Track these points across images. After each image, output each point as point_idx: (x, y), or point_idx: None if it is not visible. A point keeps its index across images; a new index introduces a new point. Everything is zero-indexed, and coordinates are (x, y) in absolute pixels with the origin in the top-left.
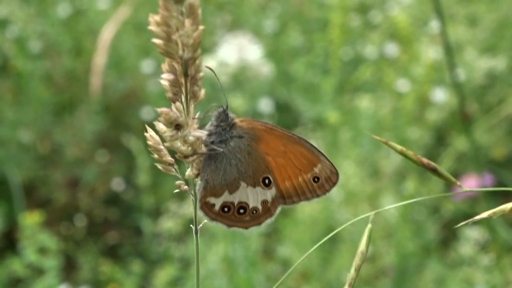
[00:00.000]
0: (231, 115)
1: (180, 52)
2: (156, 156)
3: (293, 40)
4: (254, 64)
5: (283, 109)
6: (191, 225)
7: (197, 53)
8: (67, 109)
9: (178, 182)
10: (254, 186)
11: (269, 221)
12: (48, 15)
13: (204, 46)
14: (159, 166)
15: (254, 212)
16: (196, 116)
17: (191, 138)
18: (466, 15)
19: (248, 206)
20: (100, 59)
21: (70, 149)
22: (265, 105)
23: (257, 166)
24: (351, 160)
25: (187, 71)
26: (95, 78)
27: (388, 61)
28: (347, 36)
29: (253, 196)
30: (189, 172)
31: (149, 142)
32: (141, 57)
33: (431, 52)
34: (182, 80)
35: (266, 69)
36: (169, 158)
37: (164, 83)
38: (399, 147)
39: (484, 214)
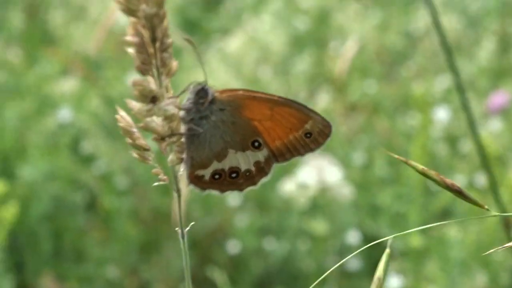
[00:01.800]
0: (210, 90)
1: (143, 6)
2: (129, 140)
3: (380, 171)
4: (334, 186)
5: (372, 241)
6: (176, 228)
7: (162, 10)
8: (154, 245)
9: (155, 170)
10: (243, 150)
11: (264, 180)
12: None
13: (285, 168)
14: (134, 154)
15: (248, 173)
16: (172, 93)
17: (170, 110)
18: None
19: (240, 169)
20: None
21: (157, 285)
22: (353, 237)
23: (244, 133)
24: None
25: (155, 34)
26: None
27: (477, 190)
28: (433, 166)
29: (244, 160)
30: (172, 156)
31: (120, 124)
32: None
33: None
34: (152, 50)
35: (346, 191)
36: (143, 142)
37: (130, 50)
38: (420, 166)
39: None
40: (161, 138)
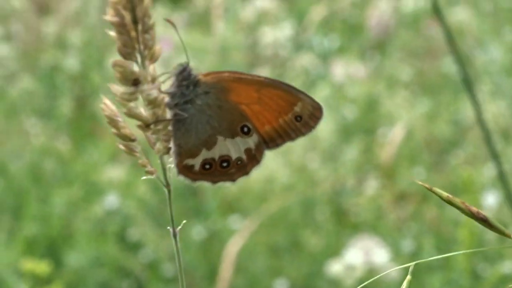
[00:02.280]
0: (193, 72)
1: None
2: (114, 130)
3: (428, 256)
4: (381, 268)
5: None
6: (168, 227)
7: None
8: None
9: (141, 161)
10: (232, 137)
11: (256, 168)
12: (181, 238)
13: (332, 249)
14: (120, 146)
15: (239, 162)
16: (157, 76)
17: (153, 94)
18: None
19: (231, 158)
20: (226, 273)
21: None
22: None
23: (232, 118)
24: None
25: (135, 14)
26: None
27: None
28: (482, 253)
29: (234, 147)
30: (158, 145)
31: (105, 113)
32: (273, 278)
33: None
34: (133, 33)
35: (394, 273)
36: (128, 132)
37: (112, 33)
38: (445, 194)
39: None
40: (145, 126)
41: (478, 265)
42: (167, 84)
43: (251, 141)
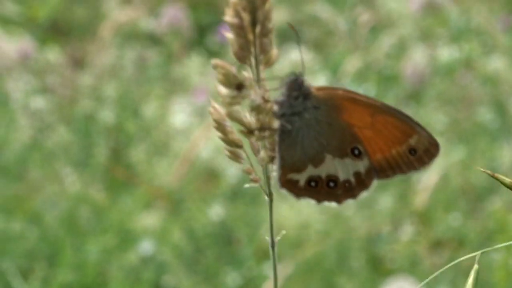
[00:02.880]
0: (305, 83)
1: None
2: (220, 135)
3: None
4: None
5: None
6: (266, 237)
7: None
8: None
9: (246, 168)
10: (341, 157)
11: (364, 194)
12: (217, 285)
13: None
14: (226, 152)
15: (347, 184)
16: (265, 83)
17: (256, 100)
18: None
19: (339, 178)
20: None
21: None
22: None
23: (342, 137)
24: None
25: (255, 16)
26: None
27: None
28: None
29: (342, 168)
30: (262, 154)
31: (213, 117)
32: None
33: None
34: (251, 36)
35: None
36: (236, 137)
37: (229, 35)
38: (507, 179)
39: None
40: (248, 132)
41: None
42: (276, 92)
43: (362, 165)
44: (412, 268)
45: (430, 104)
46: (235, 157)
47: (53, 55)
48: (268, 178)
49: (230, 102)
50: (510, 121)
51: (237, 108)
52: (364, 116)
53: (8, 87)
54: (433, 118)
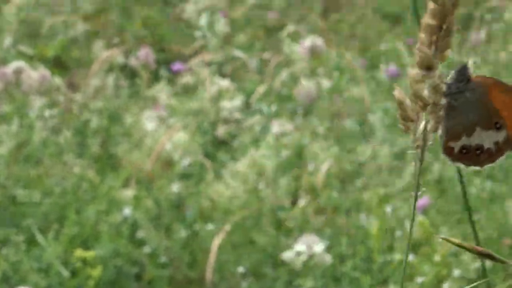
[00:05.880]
0: (469, 71)
1: None
2: (400, 111)
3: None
4: (319, 254)
5: None
6: (411, 192)
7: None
8: None
9: (416, 136)
10: (487, 129)
11: (501, 159)
12: (169, 237)
13: (276, 247)
14: (400, 125)
15: (489, 152)
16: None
17: (437, 81)
18: None
19: (483, 147)
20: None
21: None
22: None
23: (489, 114)
24: None
25: (443, 23)
26: None
27: None
28: None
29: (487, 138)
30: (431, 125)
31: (396, 96)
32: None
33: None
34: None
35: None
36: (411, 114)
37: (422, 34)
38: (456, 240)
39: None
40: (424, 106)
41: None
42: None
43: (501, 136)
44: (304, 226)
45: (316, 116)
46: (407, 129)
47: (58, 80)
48: (425, 145)
49: (419, 81)
50: (368, 128)
51: (421, 86)
52: (505, 99)
53: (30, 101)
54: (317, 126)
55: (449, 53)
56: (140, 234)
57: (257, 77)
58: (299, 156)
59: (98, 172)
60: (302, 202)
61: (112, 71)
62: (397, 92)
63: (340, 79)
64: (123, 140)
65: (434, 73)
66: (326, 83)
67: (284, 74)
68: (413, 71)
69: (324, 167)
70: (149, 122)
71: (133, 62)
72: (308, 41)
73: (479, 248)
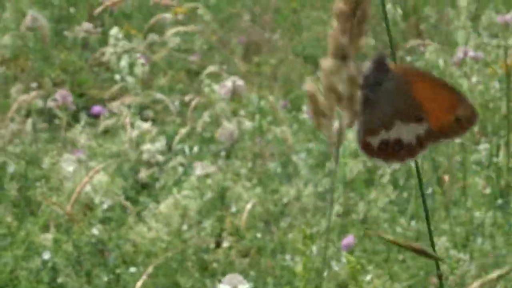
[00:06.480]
0: (387, 60)
1: None
2: (311, 106)
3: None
4: None
5: None
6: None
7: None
8: None
9: (332, 132)
10: (407, 123)
11: (421, 154)
12: (91, 284)
13: None
14: (314, 120)
15: (409, 146)
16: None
17: (353, 72)
18: None
19: (403, 141)
20: None
21: None
22: None
23: (410, 106)
24: None
25: (356, 9)
26: None
27: None
28: None
29: (407, 132)
30: (346, 120)
31: (308, 89)
32: None
33: None
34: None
35: None
36: (324, 108)
37: (334, 23)
38: (390, 237)
39: None
40: (338, 99)
41: None
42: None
43: (422, 129)
44: (228, 268)
45: (238, 157)
46: (319, 125)
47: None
48: (338, 143)
49: (333, 72)
50: (292, 169)
51: (336, 78)
52: (427, 90)
53: None
54: (240, 167)
55: (364, 41)
56: (61, 279)
57: (178, 119)
58: (222, 198)
59: (16, 217)
60: (226, 243)
61: (30, 116)
62: (309, 85)
63: (261, 120)
64: (42, 184)
65: (349, 63)
66: (248, 124)
67: (205, 116)
68: (326, 62)
69: (247, 208)
70: (68, 165)
71: (51, 104)
72: (229, 82)
73: (414, 245)
